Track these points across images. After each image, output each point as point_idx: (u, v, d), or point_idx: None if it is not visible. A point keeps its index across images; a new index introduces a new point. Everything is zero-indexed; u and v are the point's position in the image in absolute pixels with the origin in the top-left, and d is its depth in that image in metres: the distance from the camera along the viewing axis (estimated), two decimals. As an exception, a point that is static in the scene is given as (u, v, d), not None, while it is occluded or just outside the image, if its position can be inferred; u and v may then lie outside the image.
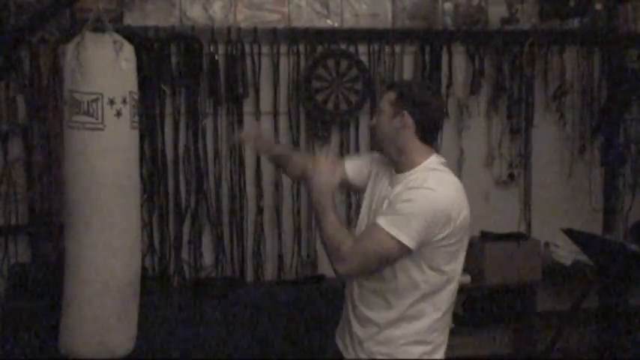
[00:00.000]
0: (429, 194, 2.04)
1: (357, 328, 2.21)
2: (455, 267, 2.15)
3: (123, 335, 2.72)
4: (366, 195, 2.30)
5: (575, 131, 4.24)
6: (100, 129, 2.56)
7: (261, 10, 3.79)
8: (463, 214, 2.10)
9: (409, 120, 2.13)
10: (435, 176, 2.11)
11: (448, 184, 2.11)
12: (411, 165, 2.15)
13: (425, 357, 2.15)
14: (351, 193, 3.79)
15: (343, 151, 3.87)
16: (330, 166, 2.18)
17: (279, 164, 2.68)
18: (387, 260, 2.06)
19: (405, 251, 2.04)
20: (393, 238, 2.02)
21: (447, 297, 2.15)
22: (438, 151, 2.26)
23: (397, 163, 2.19)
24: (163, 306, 3.49)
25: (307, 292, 3.66)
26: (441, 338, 2.19)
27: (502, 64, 4.06)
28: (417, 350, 2.14)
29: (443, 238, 2.06)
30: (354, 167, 2.39)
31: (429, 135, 2.18)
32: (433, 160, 2.16)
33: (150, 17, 3.64)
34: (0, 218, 3.58)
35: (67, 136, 2.64)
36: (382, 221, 2.05)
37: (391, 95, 2.18)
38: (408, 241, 2.02)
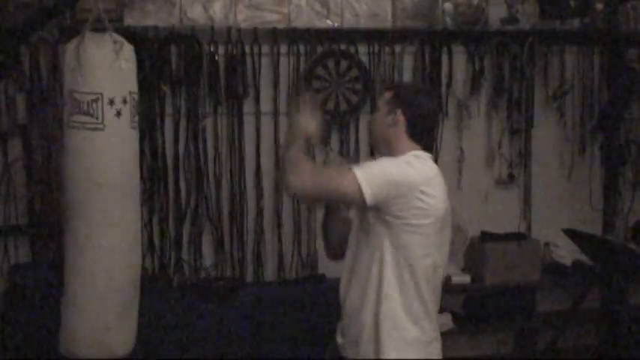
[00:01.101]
0: (404, 165, 2.14)
1: (348, 324, 2.25)
2: (430, 252, 2.17)
3: (123, 335, 2.72)
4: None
5: (575, 131, 4.25)
6: (100, 129, 2.56)
7: (261, 10, 3.78)
8: (437, 197, 2.14)
9: (401, 118, 2.22)
10: (415, 155, 2.19)
11: (426, 164, 2.19)
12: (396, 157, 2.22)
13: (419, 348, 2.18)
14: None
15: (343, 151, 3.88)
16: (311, 111, 2.24)
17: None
18: (339, 195, 2.14)
19: (359, 197, 2.09)
20: (355, 180, 2.08)
21: (425, 283, 2.18)
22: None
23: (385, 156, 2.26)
24: (163, 306, 3.49)
25: (307, 292, 3.66)
26: (430, 334, 2.21)
27: (502, 64, 4.06)
28: (412, 349, 2.17)
29: (404, 212, 2.10)
30: None
31: (420, 135, 2.25)
32: (416, 152, 2.22)
33: (150, 17, 3.64)
34: (0, 218, 3.58)
35: (67, 136, 2.64)
36: (355, 168, 2.13)
37: (388, 95, 2.29)
38: (366, 190, 2.08)
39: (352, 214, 2.33)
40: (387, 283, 2.15)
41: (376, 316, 2.17)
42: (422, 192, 2.11)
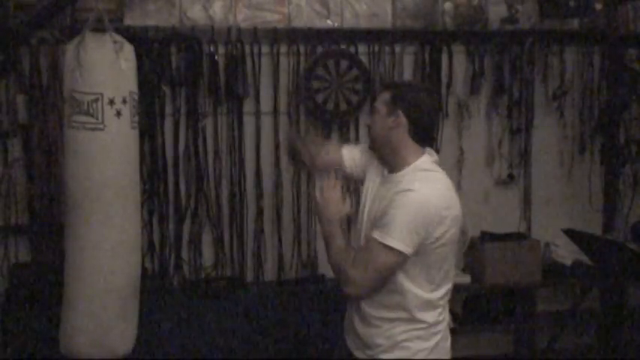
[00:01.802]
0: (418, 197, 2.06)
1: (360, 327, 2.23)
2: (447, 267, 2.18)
3: (123, 335, 2.72)
4: (365, 196, 2.30)
5: (575, 131, 4.25)
6: (100, 129, 2.56)
7: (261, 10, 3.79)
8: (453, 213, 2.12)
9: (403, 119, 2.15)
10: (424, 176, 2.13)
11: (436, 182, 2.14)
12: (403, 165, 2.17)
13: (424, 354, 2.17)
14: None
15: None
16: (339, 194, 2.20)
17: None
18: (389, 271, 2.09)
19: (402, 258, 2.06)
20: (389, 248, 2.05)
21: (441, 292, 2.18)
22: (437, 151, 2.27)
23: (390, 163, 2.21)
24: (163, 306, 3.49)
25: (307, 292, 3.66)
26: (438, 337, 2.20)
27: (502, 64, 4.06)
28: (417, 346, 2.16)
29: (439, 238, 2.09)
30: (352, 158, 2.41)
31: (423, 135, 2.19)
32: (423, 160, 2.17)
33: (150, 17, 3.64)
34: (0, 218, 3.58)
35: (67, 136, 2.64)
36: (377, 234, 2.09)
37: (386, 95, 2.21)
38: (404, 248, 2.05)
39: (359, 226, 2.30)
40: (407, 288, 2.14)
41: (394, 320, 2.16)
42: (441, 215, 2.09)
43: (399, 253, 2.05)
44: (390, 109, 2.17)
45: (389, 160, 2.21)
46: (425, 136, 2.20)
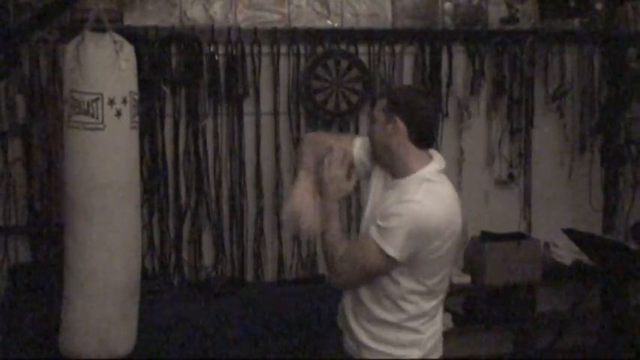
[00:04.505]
0: (418, 209, 2.05)
1: (353, 325, 2.23)
2: (439, 279, 2.17)
3: (123, 335, 2.72)
4: (371, 193, 2.28)
5: (575, 131, 4.25)
6: (100, 129, 2.56)
7: (262, 10, 3.78)
8: (452, 228, 2.12)
9: (401, 125, 2.12)
10: (428, 188, 2.10)
11: (439, 197, 2.12)
12: (406, 172, 2.14)
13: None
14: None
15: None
16: (345, 170, 2.21)
17: None
18: (376, 272, 2.10)
19: (391, 263, 2.07)
20: (383, 252, 2.06)
21: (434, 301, 2.17)
22: (437, 149, 2.26)
23: (393, 169, 2.18)
24: (163, 306, 3.49)
25: (307, 292, 3.66)
26: (432, 342, 2.21)
27: (502, 64, 4.06)
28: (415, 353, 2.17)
29: (433, 251, 2.09)
30: (361, 155, 2.34)
31: (423, 139, 2.16)
32: (429, 170, 2.14)
33: (150, 17, 3.64)
34: (0, 218, 3.58)
35: (67, 136, 2.64)
36: (375, 235, 2.09)
37: (383, 102, 2.19)
38: (394, 253, 2.05)
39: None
40: (401, 289, 2.14)
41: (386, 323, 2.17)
42: (438, 231, 2.08)
43: (391, 259, 2.06)
44: (387, 116, 2.14)
45: (392, 167, 2.19)
46: (425, 139, 2.17)
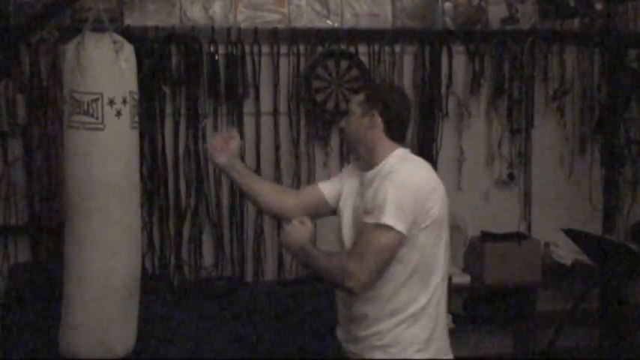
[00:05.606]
0: (402, 176, 2.14)
1: (353, 325, 2.24)
2: (442, 246, 2.19)
3: (123, 335, 2.72)
4: (343, 209, 2.32)
5: (575, 131, 4.25)
6: (100, 129, 2.56)
7: (262, 10, 3.78)
8: (438, 190, 2.18)
9: (378, 119, 2.22)
10: (402, 161, 2.21)
11: (415, 164, 2.24)
12: (380, 159, 2.23)
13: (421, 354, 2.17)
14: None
15: (343, 150, 3.88)
16: (302, 229, 2.16)
17: (247, 191, 2.53)
18: (388, 253, 2.10)
19: (398, 238, 2.09)
20: (385, 227, 2.07)
21: (434, 284, 2.18)
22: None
23: (367, 162, 2.27)
24: (163, 306, 3.49)
25: (307, 292, 3.66)
26: (440, 341, 2.21)
27: (502, 64, 4.06)
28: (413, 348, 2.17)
29: (428, 215, 2.12)
30: (330, 189, 2.40)
31: (397, 133, 2.27)
32: (397, 153, 2.24)
33: (150, 17, 3.64)
34: (0, 218, 3.58)
35: (67, 136, 2.63)
36: (369, 219, 2.11)
37: (360, 97, 2.29)
38: (400, 225, 2.07)
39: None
40: (403, 286, 2.15)
41: (386, 314, 2.18)
42: (431, 188, 2.16)
43: (395, 231, 2.07)
44: (364, 110, 2.24)
45: (366, 160, 2.27)
46: (400, 134, 2.28)
